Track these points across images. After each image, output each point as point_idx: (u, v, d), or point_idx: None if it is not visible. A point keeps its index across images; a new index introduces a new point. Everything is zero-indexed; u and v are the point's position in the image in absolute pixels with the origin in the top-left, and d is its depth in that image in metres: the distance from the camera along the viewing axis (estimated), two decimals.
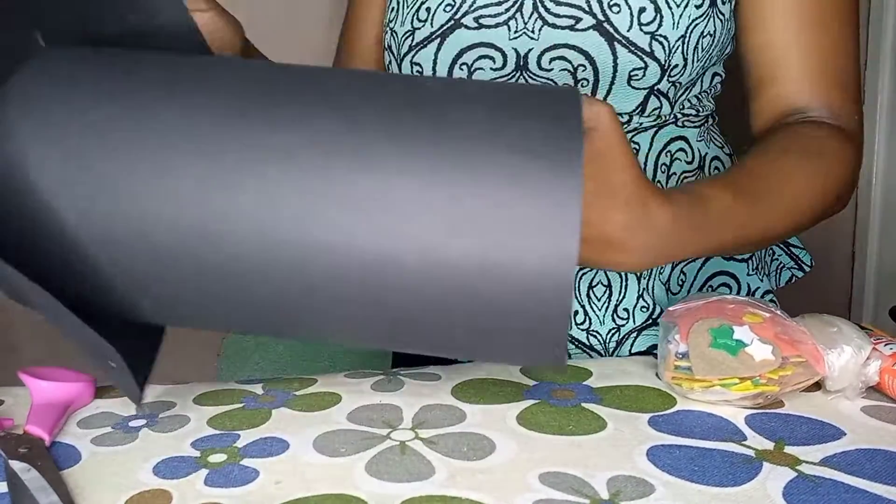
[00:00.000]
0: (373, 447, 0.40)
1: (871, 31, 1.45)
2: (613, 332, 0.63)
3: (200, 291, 0.35)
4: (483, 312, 0.33)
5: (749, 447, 0.39)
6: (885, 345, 0.46)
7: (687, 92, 0.66)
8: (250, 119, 0.34)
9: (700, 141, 0.70)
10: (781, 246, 0.77)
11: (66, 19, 0.41)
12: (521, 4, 0.63)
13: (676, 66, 0.62)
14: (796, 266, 0.77)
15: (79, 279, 0.36)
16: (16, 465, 0.37)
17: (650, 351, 0.63)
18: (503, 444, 0.40)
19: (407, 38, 0.68)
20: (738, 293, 0.68)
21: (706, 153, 0.70)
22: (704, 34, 0.62)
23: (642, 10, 0.60)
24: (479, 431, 0.41)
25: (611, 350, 0.63)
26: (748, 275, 0.70)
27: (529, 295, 0.32)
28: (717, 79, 0.71)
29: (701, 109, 0.70)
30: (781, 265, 0.77)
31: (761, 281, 0.71)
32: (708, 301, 0.49)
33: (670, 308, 0.49)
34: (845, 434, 0.41)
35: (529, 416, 0.43)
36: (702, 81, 0.68)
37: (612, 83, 0.62)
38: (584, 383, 0.48)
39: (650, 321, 0.63)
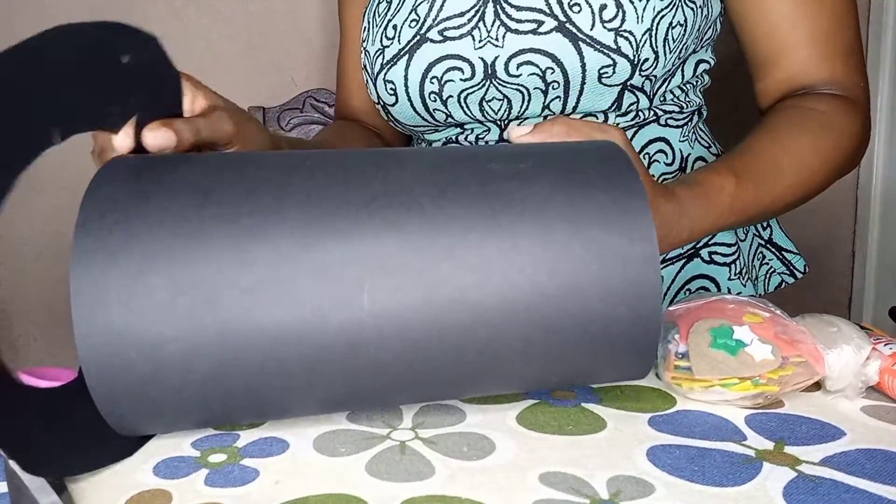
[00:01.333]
0: (373, 447, 0.40)
1: (870, 30, 1.45)
2: None
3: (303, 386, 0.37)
4: (587, 349, 0.38)
5: (749, 447, 0.39)
6: (885, 345, 0.46)
7: (665, 84, 0.65)
8: (340, 227, 0.36)
9: (683, 141, 0.69)
10: (773, 251, 0.76)
11: (77, 105, 0.41)
12: (483, 13, 0.63)
13: (647, 60, 0.61)
14: (788, 272, 0.76)
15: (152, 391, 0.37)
16: (16, 465, 0.37)
17: None
18: (503, 444, 0.40)
19: (378, 56, 0.68)
20: None
21: (689, 154, 0.69)
22: (674, 25, 0.61)
23: (603, 6, 0.60)
24: (479, 431, 0.41)
25: None
26: (729, 279, 0.69)
27: (627, 336, 0.38)
28: (704, 66, 0.69)
29: (685, 105, 0.68)
30: (772, 270, 0.76)
31: (744, 286, 0.70)
32: (708, 301, 0.49)
33: (670, 308, 0.49)
34: (845, 434, 0.41)
35: (529, 416, 0.43)
36: (682, 72, 0.66)
37: (582, 83, 0.62)
38: None
39: None
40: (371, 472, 0.37)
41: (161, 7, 1.32)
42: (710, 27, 0.66)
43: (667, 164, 0.67)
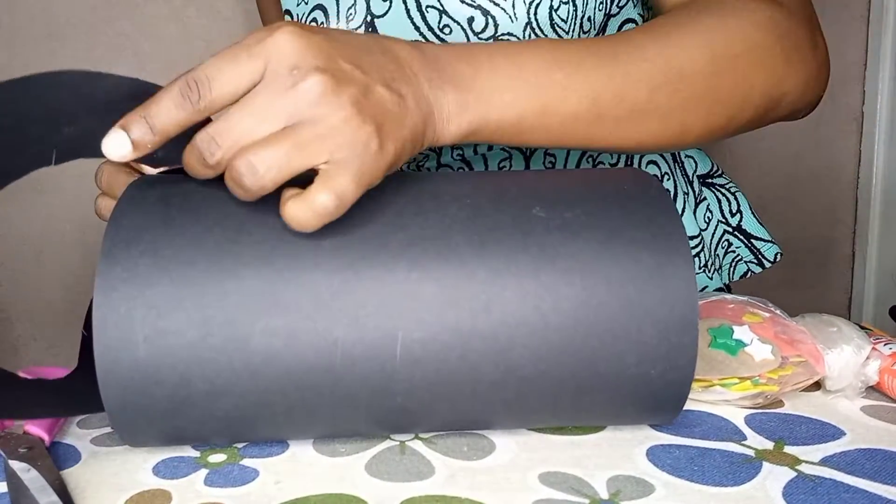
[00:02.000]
0: (373, 447, 0.40)
1: (871, 30, 1.44)
2: None
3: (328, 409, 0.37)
4: (615, 409, 0.39)
5: (749, 447, 0.39)
6: (885, 345, 0.46)
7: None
8: (410, 273, 0.35)
9: None
10: (741, 238, 0.74)
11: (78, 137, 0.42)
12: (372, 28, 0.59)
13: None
14: (755, 261, 0.73)
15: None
16: (16, 464, 0.37)
17: None
18: (503, 444, 0.40)
19: None
20: None
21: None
22: (556, 7, 0.55)
23: (471, 19, 0.55)
24: (478, 431, 0.41)
25: None
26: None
27: (657, 397, 0.38)
28: (632, 26, 0.61)
29: None
30: (738, 258, 0.72)
31: (710, 279, 0.68)
32: (707, 301, 0.49)
33: None
34: (845, 434, 0.41)
35: None
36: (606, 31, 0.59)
37: None
38: None
39: None
40: (371, 472, 0.37)
41: (161, 7, 1.32)
42: None
43: (611, 165, 0.64)
